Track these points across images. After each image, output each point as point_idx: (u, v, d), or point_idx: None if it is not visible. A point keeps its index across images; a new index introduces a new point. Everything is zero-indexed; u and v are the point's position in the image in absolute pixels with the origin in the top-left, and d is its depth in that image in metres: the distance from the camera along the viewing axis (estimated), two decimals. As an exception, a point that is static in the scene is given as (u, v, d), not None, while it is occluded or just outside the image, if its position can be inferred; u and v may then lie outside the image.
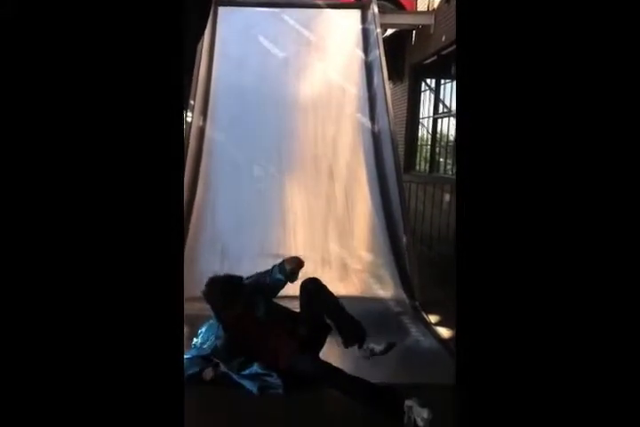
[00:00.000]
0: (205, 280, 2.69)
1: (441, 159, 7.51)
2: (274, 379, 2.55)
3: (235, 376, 2.62)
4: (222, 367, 2.67)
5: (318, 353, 2.72)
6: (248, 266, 3.12)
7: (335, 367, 2.58)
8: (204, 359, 2.67)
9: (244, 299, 2.64)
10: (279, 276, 2.76)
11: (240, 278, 2.70)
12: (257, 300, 2.72)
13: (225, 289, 2.57)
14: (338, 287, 3.15)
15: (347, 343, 2.74)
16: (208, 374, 2.63)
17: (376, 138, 4.77)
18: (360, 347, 2.75)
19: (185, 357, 2.54)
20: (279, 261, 2.88)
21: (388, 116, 4.64)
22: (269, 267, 2.87)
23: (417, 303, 3.87)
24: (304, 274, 2.89)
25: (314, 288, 2.76)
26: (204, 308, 2.86)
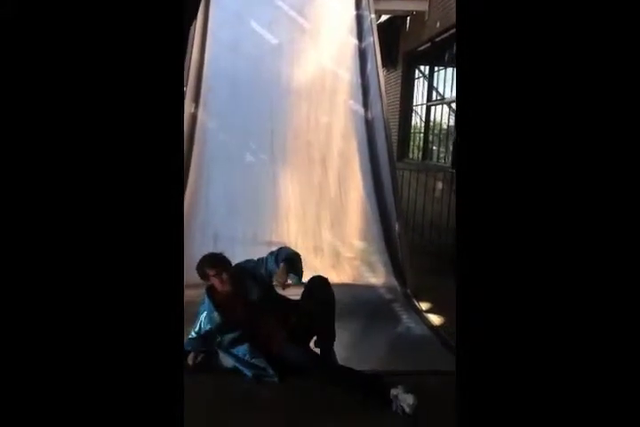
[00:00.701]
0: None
1: (434, 147, 7.51)
2: (264, 364, 2.57)
3: (227, 355, 2.64)
4: (212, 346, 2.69)
5: (308, 343, 2.74)
6: (240, 253, 3.11)
7: (322, 357, 2.60)
8: (195, 339, 2.70)
9: (233, 276, 2.70)
10: (275, 267, 2.76)
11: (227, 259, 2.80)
12: (249, 284, 2.74)
13: (212, 259, 2.75)
14: (330, 275, 3.16)
15: (316, 343, 2.75)
16: (191, 358, 2.65)
17: (369, 125, 4.74)
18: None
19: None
20: (274, 249, 2.87)
21: (382, 103, 4.61)
22: (263, 255, 2.88)
23: (408, 291, 3.90)
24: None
25: (321, 285, 2.78)
26: (197, 294, 2.88)
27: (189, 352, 2.67)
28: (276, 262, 2.75)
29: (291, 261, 2.73)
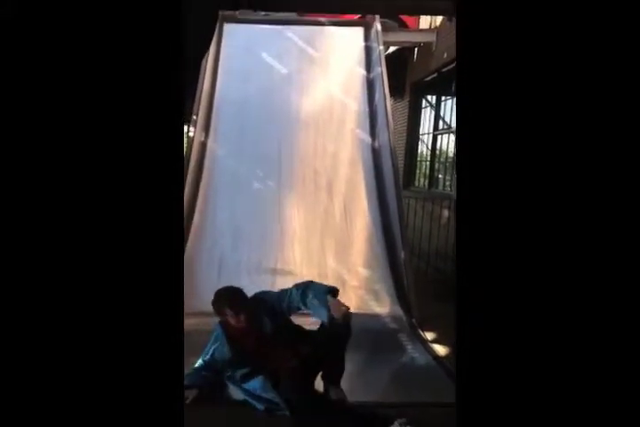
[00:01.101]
0: (202, 294, 2.69)
1: (440, 175, 7.54)
2: (276, 399, 2.50)
3: (238, 390, 2.57)
4: (221, 378, 2.62)
5: (315, 376, 2.67)
6: (245, 280, 3.13)
7: (321, 396, 2.54)
8: (204, 372, 2.63)
9: (250, 313, 2.57)
10: (299, 305, 2.60)
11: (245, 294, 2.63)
12: (265, 318, 2.62)
13: (230, 297, 2.55)
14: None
15: (323, 376, 2.66)
16: (190, 394, 2.48)
17: (376, 153, 4.81)
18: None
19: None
20: (300, 284, 2.68)
21: (389, 131, 4.68)
22: (267, 283, 2.86)
23: (413, 320, 3.87)
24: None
25: (343, 317, 2.57)
26: (204, 322, 2.86)
27: (191, 387, 2.53)
28: (303, 298, 2.58)
29: (335, 293, 2.60)
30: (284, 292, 2.67)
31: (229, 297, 2.56)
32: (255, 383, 2.54)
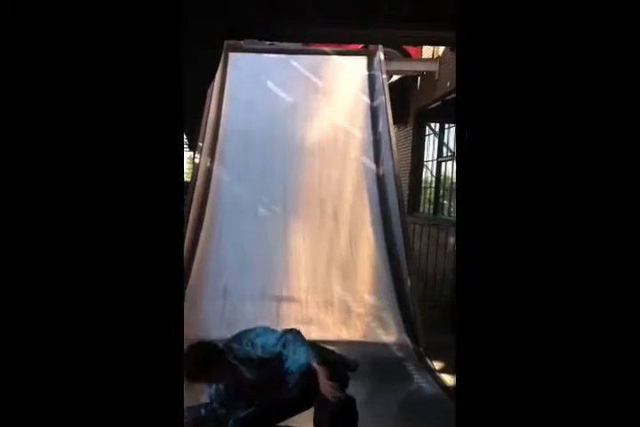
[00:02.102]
0: (207, 321, 2.65)
1: (445, 201, 7.54)
2: None
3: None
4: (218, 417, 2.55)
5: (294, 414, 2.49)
6: (250, 308, 3.10)
7: None
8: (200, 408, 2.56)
9: (224, 367, 2.31)
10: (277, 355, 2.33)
11: (218, 347, 2.35)
12: (243, 368, 2.36)
13: (198, 357, 2.24)
14: (340, 331, 3.11)
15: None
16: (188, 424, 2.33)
17: (381, 180, 4.83)
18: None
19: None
20: (283, 334, 2.39)
21: (393, 159, 4.71)
22: (272, 310, 2.82)
23: (421, 349, 3.81)
24: (305, 318, 2.82)
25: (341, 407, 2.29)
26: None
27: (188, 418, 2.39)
28: (280, 353, 2.34)
29: (333, 365, 2.32)
30: (262, 335, 2.43)
31: (196, 356, 2.24)
32: (250, 417, 2.44)
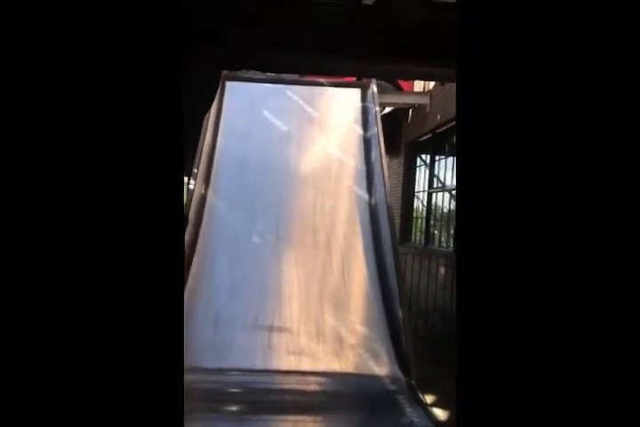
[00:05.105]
0: (197, 350, 2.61)
1: (435, 231, 7.58)
2: None
3: None
4: None
5: None
6: (241, 337, 3.05)
7: None
8: None
9: None
10: None
11: None
12: None
13: None
14: (332, 362, 3.07)
15: None
16: None
17: (373, 210, 4.85)
18: None
19: None
20: None
21: (385, 188, 4.75)
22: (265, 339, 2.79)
23: (413, 382, 3.76)
24: (296, 349, 2.76)
25: None
26: (197, 379, 2.77)
27: None
28: None
29: None
30: None
31: None
32: None
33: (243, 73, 5.70)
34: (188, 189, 4.48)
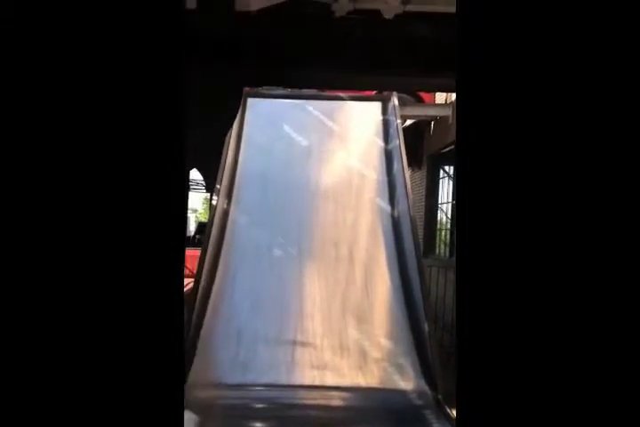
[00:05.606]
0: (220, 364, 2.61)
1: (461, 244, 7.49)
2: None
3: None
4: None
5: None
6: (265, 351, 3.04)
7: None
8: None
9: None
10: None
11: None
12: None
13: None
14: (357, 377, 3.03)
15: None
16: None
17: (396, 222, 4.82)
18: None
19: None
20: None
21: (408, 200, 4.72)
22: (287, 355, 2.78)
23: (439, 396, 3.69)
24: (320, 363, 2.74)
25: None
26: (222, 395, 2.77)
27: None
28: None
29: None
30: None
31: None
32: None
33: (263, 89, 5.79)
34: (210, 204, 4.53)
